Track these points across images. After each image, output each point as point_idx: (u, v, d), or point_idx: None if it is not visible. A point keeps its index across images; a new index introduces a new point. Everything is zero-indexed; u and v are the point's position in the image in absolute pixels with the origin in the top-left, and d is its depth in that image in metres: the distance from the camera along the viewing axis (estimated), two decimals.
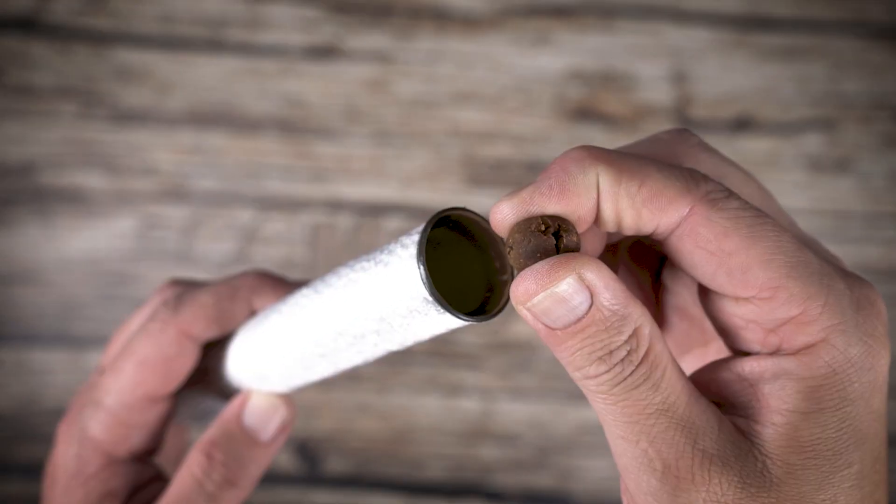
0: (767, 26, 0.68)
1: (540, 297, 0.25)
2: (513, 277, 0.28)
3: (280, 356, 0.34)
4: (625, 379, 0.25)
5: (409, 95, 0.67)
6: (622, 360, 0.25)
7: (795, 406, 0.25)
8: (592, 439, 0.67)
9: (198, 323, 0.36)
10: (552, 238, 0.26)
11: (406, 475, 0.67)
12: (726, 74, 0.67)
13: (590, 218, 0.26)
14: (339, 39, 0.67)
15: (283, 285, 0.37)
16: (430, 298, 0.26)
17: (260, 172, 0.66)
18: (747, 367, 0.27)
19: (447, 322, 0.27)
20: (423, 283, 0.26)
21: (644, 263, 0.33)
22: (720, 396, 0.27)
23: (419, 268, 0.26)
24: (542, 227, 0.26)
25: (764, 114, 0.67)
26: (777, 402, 0.26)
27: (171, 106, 0.66)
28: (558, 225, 0.26)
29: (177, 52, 0.67)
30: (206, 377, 0.38)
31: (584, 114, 0.67)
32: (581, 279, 0.25)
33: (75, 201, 0.66)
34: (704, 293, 0.29)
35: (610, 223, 0.27)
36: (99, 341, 0.65)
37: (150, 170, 0.66)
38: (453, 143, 0.67)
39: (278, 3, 0.67)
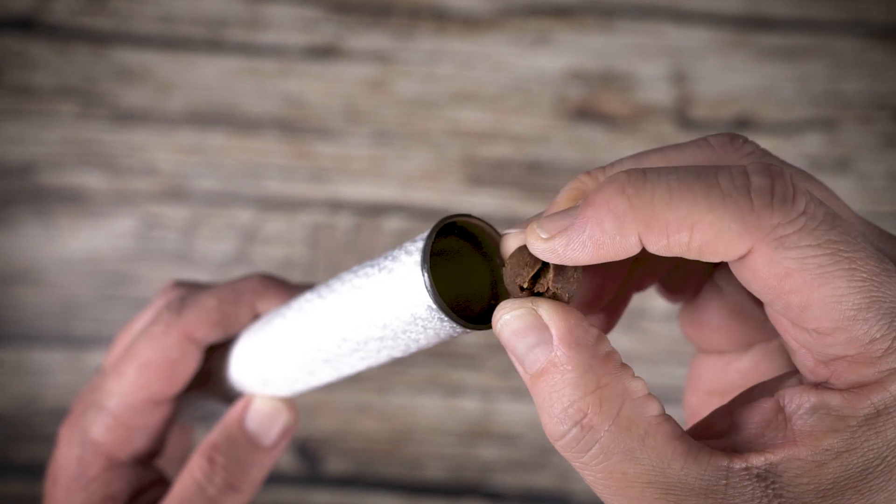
0: (767, 26, 0.68)
1: (500, 322, 0.25)
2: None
3: (283, 361, 0.34)
4: (589, 449, 0.23)
5: (409, 95, 0.67)
6: (579, 423, 0.23)
7: (828, 445, 0.24)
8: None
9: (201, 326, 0.35)
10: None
11: (406, 475, 0.67)
12: (726, 74, 0.67)
13: (631, 257, 0.24)
14: (339, 39, 0.67)
15: (286, 289, 0.37)
16: (434, 306, 0.26)
17: (260, 172, 0.66)
18: (786, 396, 0.25)
19: (451, 330, 0.27)
20: (427, 291, 0.26)
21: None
22: (747, 426, 0.25)
23: (423, 275, 0.26)
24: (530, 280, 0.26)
25: (764, 114, 0.67)
26: (807, 439, 0.24)
27: (170, 106, 0.66)
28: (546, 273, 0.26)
29: (177, 52, 0.67)
30: (209, 380, 0.38)
31: (584, 114, 0.67)
32: (537, 315, 0.25)
33: (75, 201, 0.66)
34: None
35: (663, 255, 0.24)
36: (99, 341, 0.65)
37: (150, 170, 0.66)
38: (453, 143, 0.67)
39: (278, 3, 0.67)
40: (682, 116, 0.67)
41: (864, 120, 0.67)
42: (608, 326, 0.32)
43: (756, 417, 0.25)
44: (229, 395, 0.38)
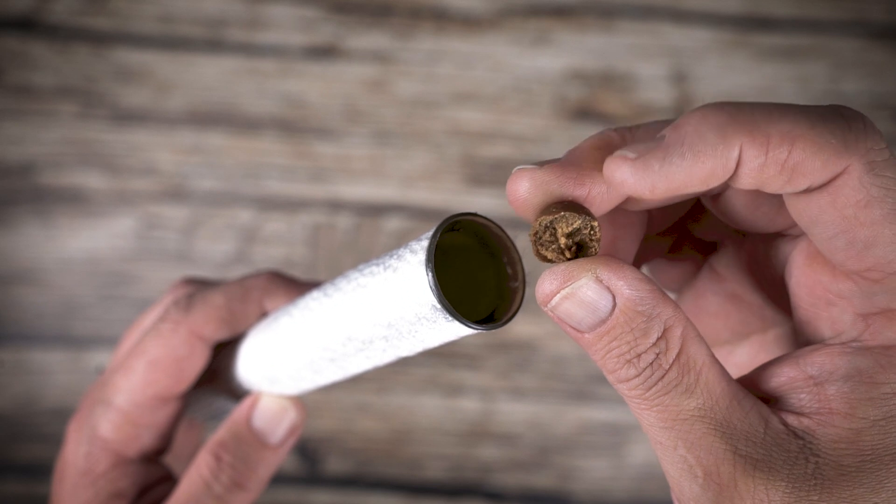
0: (767, 26, 0.68)
1: (557, 298, 0.25)
2: (524, 283, 0.28)
3: (290, 359, 0.34)
4: (655, 383, 0.24)
5: (409, 95, 0.67)
6: (651, 363, 0.24)
7: (864, 413, 0.24)
8: (592, 439, 0.67)
9: (209, 324, 0.36)
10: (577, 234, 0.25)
11: (406, 475, 0.67)
12: (726, 74, 0.68)
13: (721, 182, 0.24)
14: (339, 39, 0.67)
15: (295, 286, 0.37)
16: (439, 306, 0.26)
17: (260, 172, 0.66)
18: (817, 363, 0.25)
19: (456, 330, 0.27)
20: (432, 291, 0.26)
21: (695, 247, 0.32)
22: (777, 392, 0.26)
23: (427, 274, 0.26)
24: (569, 228, 0.25)
25: None
26: (843, 406, 0.24)
27: (170, 106, 0.66)
28: (585, 220, 0.25)
29: (177, 52, 0.67)
30: (217, 378, 0.38)
31: (584, 114, 0.67)
32: (599, 280, 0.24)
33: (75, 201, 0.66)
34: (791, 266, 0.27)
35: (747, 185, 0.24)
36: (99, 341, 0.65)
37: (150, 170, 0.66)
38: (453, 143, 0.67)
39: (278, 3, 0.67)
40: None
41: None
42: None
43: (788, 386, 0.25)
44: (237, 393, 0.38)
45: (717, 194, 0.27)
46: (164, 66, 0.66)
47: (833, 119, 0.24)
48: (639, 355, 0.24)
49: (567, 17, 0.68)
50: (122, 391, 0.35)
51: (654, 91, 0.67)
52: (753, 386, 0.27)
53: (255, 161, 0.66)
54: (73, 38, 0.66)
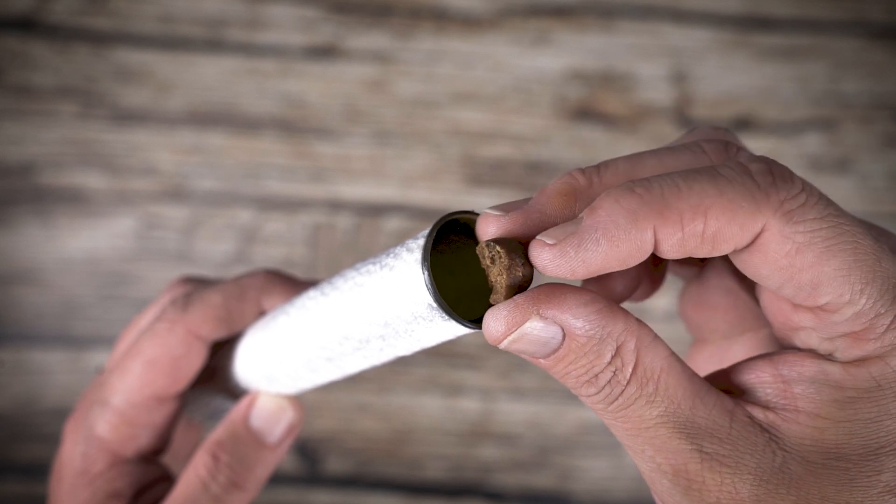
0: (767, 26, 0.68)
1: (507, 342, 0.25)
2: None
3: (287, 358, 0.33)
4: (616, 398, 0.25)
5: (409, 95, 0.67)
6: (609, 381, 0.25)
7: (828, 413, 0.25)
8: (592, 439, 0.67)
9: (206, 323, 0.35)
10: (519, 269, 0.25)
11: (406, 475, 0.67)
12: (726, 74, 0.67)
13: (642, 260, 0.25)
14: (339, 39, 0.67)
15: (293, 285, 0.37)
16: (435, 305, 0.26)
17: (260, 172, 0.66)
18: (788, 363, 0.26)
19: (452, 329, 0.27)
20: (428, 290, 0.26)
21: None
22: (745, 385, 0.26)
23: (423, 273, 0.26)
24: (504, 258, 0.25)
25: (764, 114, 0.67)
26: (808, 405, 0.25)
27: (170, 106, 0.66)
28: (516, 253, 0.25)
29: (177, 52, 0.67)
30: (215, 377, 0.38)
31: (584, 114, 0.67)
32: (543, 318, 0.25)
33: (75, 201, 0.66)
34: (759, 290, 0.28)
35: (675, 256, 0.25)
36: (99, 341, 0.65)
37: (150, 170, 0.66)
38: (453, 143, 0.67)
39: (278, 3, 0.67)
40: (682, 116, 0.67)
41: (864, 120, 0.67)
42: (652, 290, 0.32)
43: (757, 381, 0.26)
44: (234, 392, 0.38)
45: None
46: (164, 66, 0.66)
47: (741, 180, 0.24)
48: (596, 375, 0.25)
49: (567, 17, 0.68)
50: (119, 391, 0.35)
51: (654, 91, 0.67)
52: (726, 378, 0.27)
53: (255, 161, 0.66)
54: (73, 38, 0.66)
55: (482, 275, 0.26)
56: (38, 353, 0.66)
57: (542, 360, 0.25)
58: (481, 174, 0.67)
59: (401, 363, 0.67)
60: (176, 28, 0.67)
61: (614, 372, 0.25)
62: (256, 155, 0.66)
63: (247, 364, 0.36)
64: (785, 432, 0.25)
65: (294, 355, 0.33)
